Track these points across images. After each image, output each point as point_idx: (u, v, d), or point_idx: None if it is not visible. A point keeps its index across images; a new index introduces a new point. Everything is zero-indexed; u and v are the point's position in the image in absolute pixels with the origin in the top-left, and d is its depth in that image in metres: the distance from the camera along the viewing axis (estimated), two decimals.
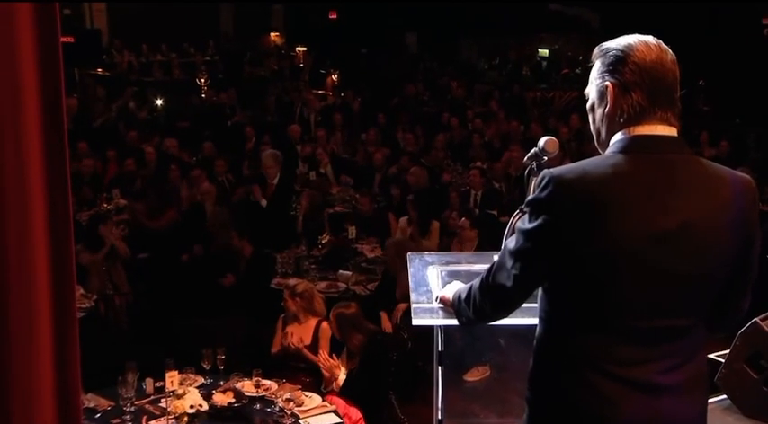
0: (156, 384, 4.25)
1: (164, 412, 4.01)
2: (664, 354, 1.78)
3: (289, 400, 4.14)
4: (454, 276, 2.43)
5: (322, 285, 6.22)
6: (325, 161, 9.48)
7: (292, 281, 5.49)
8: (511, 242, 1.86)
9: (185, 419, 3.93)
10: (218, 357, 4.47)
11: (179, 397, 3.98)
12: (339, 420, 4.11)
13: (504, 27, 17.08)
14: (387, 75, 16.49)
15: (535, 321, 1.95)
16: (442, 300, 2.29)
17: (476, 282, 2.01)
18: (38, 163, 1.53)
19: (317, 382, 4.84)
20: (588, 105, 1.93)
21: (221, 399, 4.14)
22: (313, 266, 6.69)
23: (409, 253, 2.63)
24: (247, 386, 4.28)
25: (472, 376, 2.72)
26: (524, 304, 1.98)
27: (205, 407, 4.05)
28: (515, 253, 1.83)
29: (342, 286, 6.29)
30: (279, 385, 4.31)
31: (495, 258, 1.95)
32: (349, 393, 4.57)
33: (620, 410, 1.77)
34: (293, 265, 6.62)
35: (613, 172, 1.75)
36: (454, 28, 17.68)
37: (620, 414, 1.77)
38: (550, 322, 1.87)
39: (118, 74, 15.83)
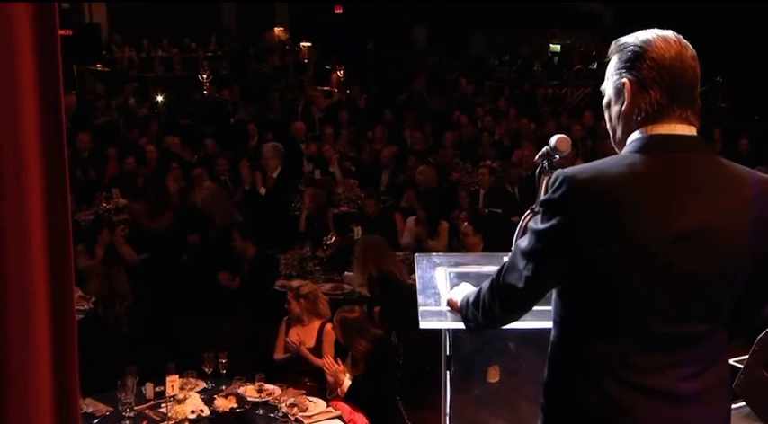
0: (157, 389, 4.26)
1: (164, 418, 4.02)
2: (684, 360, 1.77)
3: (292, 405, 4.15)
4: (463, 277, 2.43)
5: (327, 287, 6.23)
6: (335, 159, 9.49)
7: (296, 282, 5.51)
8: (523, 242, 1.86)
9: None
10: (220, 360, 4.48)
11: (180, 402, 3.99)
12: None
13: (514, 22, 17.05)
14: (394, 71, 16.49)
15: (546, 324, 1.95)
16: (450, 304, 2.29)
17: (485, 284, 2.01)
18: (36, 163, 1.53)
19: (321, 386, 4.84)
20: (604, 102, 1.92)
21: (223, 404, 4.14)
22: (317, 267, 6.70)
23: (417, 254, 2.63)
24: (250, 391, 4.28)
25: (492, 378, 2.72)
26: (535, 307, 1.98)
27: (206, 412, 4.06)
28: (527, 254, 1.83)
29: (347, 288, 6.29)
30: (282, 390, 4.32)
31: (506, 259, 1.95)
32: (354, 398, 4.56)
33: (639, 420, 1.76)
34: (297, 266, 6.63)
35: (630, 172, 1.75)
36: (463, 22, 17.65)
37: None
38: (565, 326, 1.86)
39: (118, 69, 15.89)
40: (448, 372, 2.49)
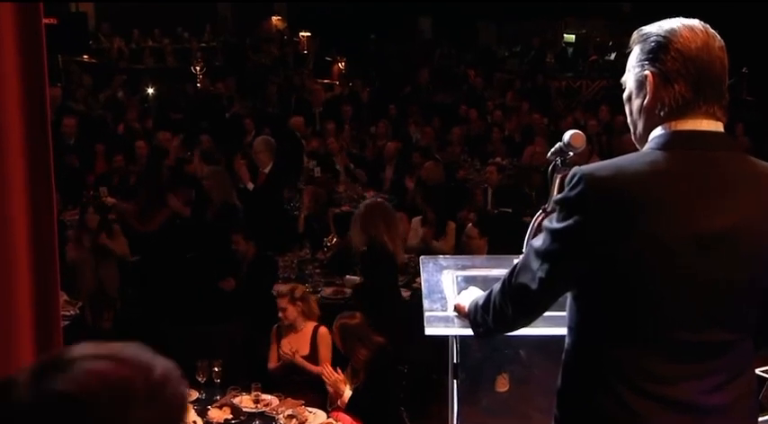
0: None
1: None
2: (707, 371, 1.76)
3: (291, 416, 4.15)
4: (471, 281, 2.43)
5: (328, 290, 6.23)
6: (341, 154, 9.46)
7: (284, 287, 5.27)
8: (536, 242, 1.85)
9: None
10: (214, 369, 4.48)
11: None
12: None
13: (525, 10, 17.04)
14: (398, 64, 16.48)
15: (558, 331, 1.95)
16: (458, 309, 2.28)
17: (496, 286, 2.01)
18: (19, 159, 1.53)
19: (321, 397, 4.82)
20: (625, 95, 1.91)
21: (217, 415, 4.14)
22: (317, 270, 6.68)
23: (422, 257, 2.62)
24: (246, 401, 4.28)
25: (502, 387, 2.71)
26: (547, 313, 1.97)
27: None
28: (542, 254, 1.82)
29: (348, 292, 6.28)
30: (280, 400, 4.32)
31: (516, 261, 1.94)
32: (356, 409, 4.54)
33: None
34: (296, 269, 6.62)
35: (651, 170, 1.73)
36: (472, 11, 17.64)
37: None
38: (580, 332, 1.85)
39: (106, 61, 15.90)
40: (455, 381, 2.49)
